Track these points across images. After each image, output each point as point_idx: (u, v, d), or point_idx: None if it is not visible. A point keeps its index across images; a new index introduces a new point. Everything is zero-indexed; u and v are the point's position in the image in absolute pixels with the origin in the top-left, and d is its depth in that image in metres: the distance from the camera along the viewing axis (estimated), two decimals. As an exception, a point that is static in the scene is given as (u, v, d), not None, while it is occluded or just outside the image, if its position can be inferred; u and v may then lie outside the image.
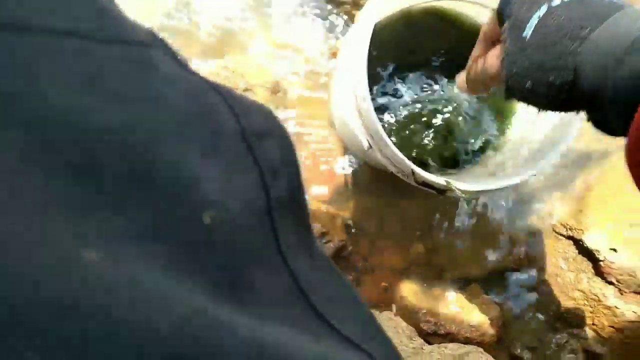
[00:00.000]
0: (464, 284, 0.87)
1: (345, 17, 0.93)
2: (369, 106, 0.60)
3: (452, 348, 0.66)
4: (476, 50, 0.54)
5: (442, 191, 0.66)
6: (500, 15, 0.46)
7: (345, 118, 0.69)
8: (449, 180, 0.65)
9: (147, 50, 0.20)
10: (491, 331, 0.82)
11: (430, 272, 0.88)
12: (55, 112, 0.16)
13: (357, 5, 0.91)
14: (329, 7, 0.92)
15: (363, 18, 0.65)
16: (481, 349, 0.67)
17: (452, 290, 0.86)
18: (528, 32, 0.41)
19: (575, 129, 0.68)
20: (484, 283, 0.88)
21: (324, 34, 0.91)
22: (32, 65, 0.16)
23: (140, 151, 0.17)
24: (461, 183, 0.65)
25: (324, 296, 0.23)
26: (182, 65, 0.22)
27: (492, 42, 0.51)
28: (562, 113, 0.44)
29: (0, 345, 0.12)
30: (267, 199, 0.22)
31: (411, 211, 0.90)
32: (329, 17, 0.92)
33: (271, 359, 0.17)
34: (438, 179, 0.63)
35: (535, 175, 0.68)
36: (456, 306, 0.84)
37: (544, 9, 0.41)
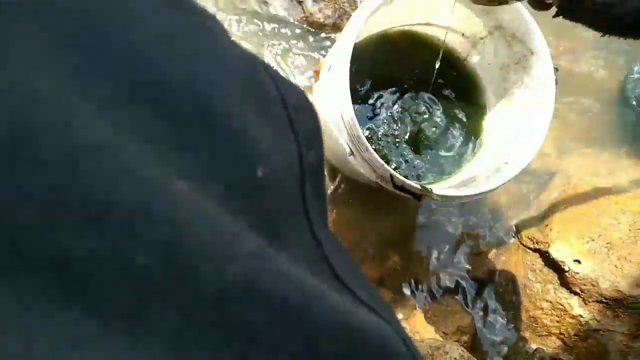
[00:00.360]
0: (437, 294, 0.90)
1: (328, 42, 0.99)
2: (351, 114, 0.64)
3: (428, 342, 0.68)
4: None
5: (418, 196, 0.70)
6: None
7: (329, 128, 0.73)
8: (425, 185, 0.69)
9: (209, 20, 0.23)
10: (464, 338, 0.85)
11: (404, 282, 0.91)
12: (142, 58, 0.18)
13: (338, 28, 0.97)
14: (311, 39, 0.97)
15: (344, 38, 0.70)
16: (457, 344, 0.69)
17: (426, 299, 0.89)
18: None
19: (538, 143, 0.73)
20: (456, 293, 0.91)
21: (305, 66, 0.95)
22: (127, 19, 0.19)
23: (204, 101, 0.20)
24: (437, 188, 0.69)
25: (339, 262, 0.25)
26: (231, 38, 0.25)
27: None
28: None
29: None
30: (300, 166, 0.24)
31: (387, 224, 0.93)
32: (311, 52, 0.97)
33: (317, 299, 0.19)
34: (414, 183, 0.67)
35: (504, 183, 0.72)
36: (430, 314, 0.87)
37: None
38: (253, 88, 0.23)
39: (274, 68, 0.26)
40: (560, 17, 0.46)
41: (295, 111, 0.25)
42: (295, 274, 0.19)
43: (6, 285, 0.13)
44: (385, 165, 0.66)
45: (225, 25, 0.92)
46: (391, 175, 0.66)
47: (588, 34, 1.14)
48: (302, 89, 0.28)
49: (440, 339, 0.80)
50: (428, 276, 0.91)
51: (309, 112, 0.26)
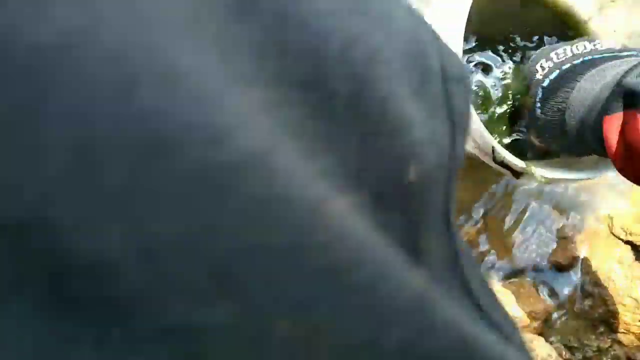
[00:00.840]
0: (511, 274, 0.86)
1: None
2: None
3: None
4: None
5: (518, 174, 0.64)
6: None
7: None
8: (528, 163, 0.63)
9: None
10: (534, 324, 0.80)
11: (477, 258, 0.87)
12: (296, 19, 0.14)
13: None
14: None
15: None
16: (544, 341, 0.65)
17: (498, 279, 0.85)
18: None
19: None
20: (532, 275, 0.86)
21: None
22: None
23: (361, 76, 0.15)
24: (538, 168, 0.63)
25: (473, 276, 0.22)
26: None
27: None
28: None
29: None
30: (451, 157, 0.20)
31: (470, 195, 0.88)
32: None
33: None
34: (517, 160, 0.61)
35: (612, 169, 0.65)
36: (501, 295, 0.83)
37: None
38: (414, 57, 0.18)
39: (435, 32, 0.21)
40: None
41: (454, 87, 0.20)
42: (455, 320, 0.16)
43: None
44: (489, 135, 0.60)
45: None
46: (493, 149, 0.61)
47: None
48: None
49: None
50: (504, 254, 0.86)
51: (466, 90, 0.21)
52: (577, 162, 0.72)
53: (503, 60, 0.77)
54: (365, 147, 0.16)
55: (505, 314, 0.24)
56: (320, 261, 0.12)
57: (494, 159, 0.62)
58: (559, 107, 0.59)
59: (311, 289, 0.12)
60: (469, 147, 0.65)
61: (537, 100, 0.63)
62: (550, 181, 0.65)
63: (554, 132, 0.62)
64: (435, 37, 0.20)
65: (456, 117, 0.20)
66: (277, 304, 0.12)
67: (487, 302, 0.22)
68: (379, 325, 0.14)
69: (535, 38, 0.79)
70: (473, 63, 0.77)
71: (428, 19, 0.73)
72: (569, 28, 0.79)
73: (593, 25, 0.79)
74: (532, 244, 0.87)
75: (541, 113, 0.63)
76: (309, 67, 0.14)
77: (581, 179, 0.65)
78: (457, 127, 0.20)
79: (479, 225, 0.85)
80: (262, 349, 0.11)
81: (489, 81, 0.75)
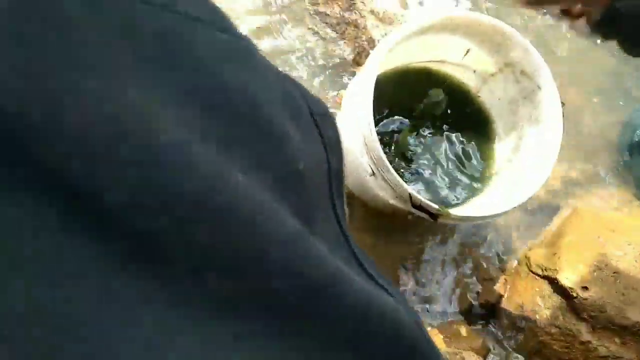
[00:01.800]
0: (447, 316, 0.93)
1: (350, 76, 1.05)
2: (374, 136, 0.69)
3: (444, 351, 0.71)
4: None
5: (435, 216, 0.74)
6: None
7: (351, 152, 0.78)
8: (442, 207, 0.73)
9: (246, 41, 0.26)
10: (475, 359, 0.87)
11: (418, 304, 0.94)
12: (206, 71, 0.22)
13: (358, 64, 1.04)
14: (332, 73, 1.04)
15: (367, 69, 0.76)
16: (472, 352, 0.72)
17: (437, 319, 0.92)
18: None
19: (546, 172, 0.78)
20: (466, 316, 0.94)
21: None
22: (191, 43, 0.22)
23: (254, 104, 0.23)
24: (452, 210, 0.74)
25: (358, 249, 0.29)
26: (265, 58, 0.28)
27: None
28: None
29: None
30: (328, 166, 0.28)
31: (401, 248, 0.97)
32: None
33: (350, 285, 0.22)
34: (432, 204, 0.72)
35: (514, 207, 0.76)
36: (440, 336, 0.89)
37: None
38: (286, 99, 0.27)
39: (300, 84, 0.31)
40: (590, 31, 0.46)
41: (320, 120, 0.29)
42: (327, 257, 0.22)
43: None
44: (405, 184, 0.70)
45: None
46: (410, 195, 0.71)
47: (590, 80, 1.21)
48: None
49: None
50: (439, 299, 0.94)
51: (331, 122, 0.31)
52: (483, 204, 0.83)
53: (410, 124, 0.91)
54: (263, 147, 0.23)
55: (391, 284, 0.30)
56: (217, 203, 0.18)
57: (412, 204, 0.73)
58: None
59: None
60: (391, 198, 0.75)
61: None
62: (462, 220, 0.75)
63: None
64: (299, 88, 0.29)
65: (326, 139, 0.28)
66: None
67: (373, 272, 0.28)
68: (261, 247, 0.19)
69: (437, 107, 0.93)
70: (387, 128, 0.90)
71: (345, 101, 0.86)
72: (463, 98, 0.95)
73: (482, 95, 0.95)
74: (461, 287, 0.96)
75: None
76: (220, 98, 0.21)
77: (492, 216, 0.76)
78: (329, 146, 0.28)
79: (409, 274, 0.94)
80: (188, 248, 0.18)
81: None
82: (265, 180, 0.22)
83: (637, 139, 1.17)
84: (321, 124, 0.29)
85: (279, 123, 0.24)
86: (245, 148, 0.22)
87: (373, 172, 0.73)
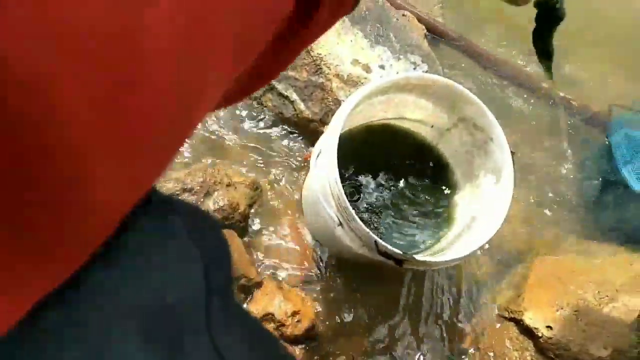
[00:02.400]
0: (423, 363, 0.95)
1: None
2: (339, 187, 0.74)
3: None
4: None
5: (400, 262, 0.78)
6: None
7: (319, 206, 0.83)
8: (407, 252, 0.77)
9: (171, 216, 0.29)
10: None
11: (393, 352, 0.96)
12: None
13: (324, 123, 1.10)
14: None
15: (332, 127, 0.82)
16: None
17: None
18: None
19: (502, 215, 0.84)
20: (440, 362, 0.96)
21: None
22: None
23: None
24: (417, 255, 0.78)
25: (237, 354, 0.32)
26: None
27: None
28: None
29: None
30: (208, 288, 0.30)
31: (373, 301, 1.00)
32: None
33: None
34: (396, 250, 0.76)
35: (475, 251, 0.81)
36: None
37: None
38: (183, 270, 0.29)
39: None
40: None
41: (210, 260, 0.31)
42: None
43: None
44: (370, 232, 0.75)
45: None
46: (376, 243, 0.75)
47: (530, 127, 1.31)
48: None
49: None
50: (414, 347, 0.97)
51: (217, 236, 0.34)
52: (446, 249, 0.88)
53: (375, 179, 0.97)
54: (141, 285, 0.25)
55: None
56: None
57: (378, 252, 0.77)
58: None
59: None
60: (358, 246, 0.79)
61: None
62: (427, 265, 0.79)
63: None
64: (202, 253, 0.30)
65: (205, 260, 0.30)
66: None
67: None
68: None
69: (400, 161, 1.00)
70: (353, 184, 0.96)
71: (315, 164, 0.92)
72: (423, 150, 1.02)
73: (440, 148, 1.02)
74: (432, 335, 0.99)
75: None
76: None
77: (454, 260, 0.80)
78: (214, 264, 0.30)
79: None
80: None
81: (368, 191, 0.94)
82: (134, 323, 0.24)
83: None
84: (210, 262, 0.30)
85: (159, 293, 0.27)
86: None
87: (340, 222, 0.78)
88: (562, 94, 1.41)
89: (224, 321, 0.31)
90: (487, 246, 1.07)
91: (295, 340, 0.91)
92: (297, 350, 0.92)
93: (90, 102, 0.16)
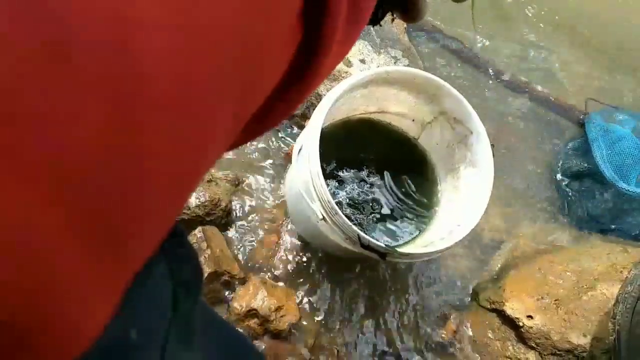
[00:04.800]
0: (404, 357, 0.96)
1: (296, 128, 1.12)
2: (322, 181, 0.74)
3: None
4: None
5: (383, 255, 0.78)
6: None
7: (302, 201, 0.83)
8: (389, 245, 0.78)
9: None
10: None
11: (376, 343, 0.96)
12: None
13: (305, 117, 1.10)
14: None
15: (313, 121, 0.82)
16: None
17: (397, 362, 0.94)
18: None
19: (482, 207, 0.85)
20: (421, 355, 0.97)
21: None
22: None
23: None
24: (400, 248, 0.79)
25: None
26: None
27: None
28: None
29: None
30: (172, 315, 0.30)
31: (361, 292, 1.00)
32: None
33: None
34: (379, 243, 0.76)
35: (457, 242, 0.82)
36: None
37: None
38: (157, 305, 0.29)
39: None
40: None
41: (184, 291, 0.31)
42: None
43: None
44: (353, 226, 0.75)
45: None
46: (359, 236, 0.75)
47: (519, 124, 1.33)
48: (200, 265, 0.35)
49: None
50: (395, 340, 0.97)
51: (195, 274, 0.33)
52: (428, 242, 0.89)
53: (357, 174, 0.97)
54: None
55: None
56: None
57: (361, 245, 0.77)
58: None
59: None
60: (342, 239, 0.79)
61: None
62: (409, 257, 0.80)
63: None
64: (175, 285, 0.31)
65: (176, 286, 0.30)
66: None
67: None
68: None
69: (382, 155, 1.00)
70: (336, 178, 0.96)
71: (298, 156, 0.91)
72: (404, 145, 1.03)
73: (422, 142, 1.03)
74: (415, 327, 1.00)
75: None
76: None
77: (436, 252, 0.81)
78: (183, 288, 0.30)
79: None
80: None
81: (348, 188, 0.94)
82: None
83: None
84: (177, 270, 0.30)
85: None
86: None
87: (323, 217, 0.77)
88: (539, 88, 1.43)
89: (187, 341, 0.31)
90: (468, 238, 1.08)
91: (279, 335, 0.91)
92: (282, 346, 0.92)
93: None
